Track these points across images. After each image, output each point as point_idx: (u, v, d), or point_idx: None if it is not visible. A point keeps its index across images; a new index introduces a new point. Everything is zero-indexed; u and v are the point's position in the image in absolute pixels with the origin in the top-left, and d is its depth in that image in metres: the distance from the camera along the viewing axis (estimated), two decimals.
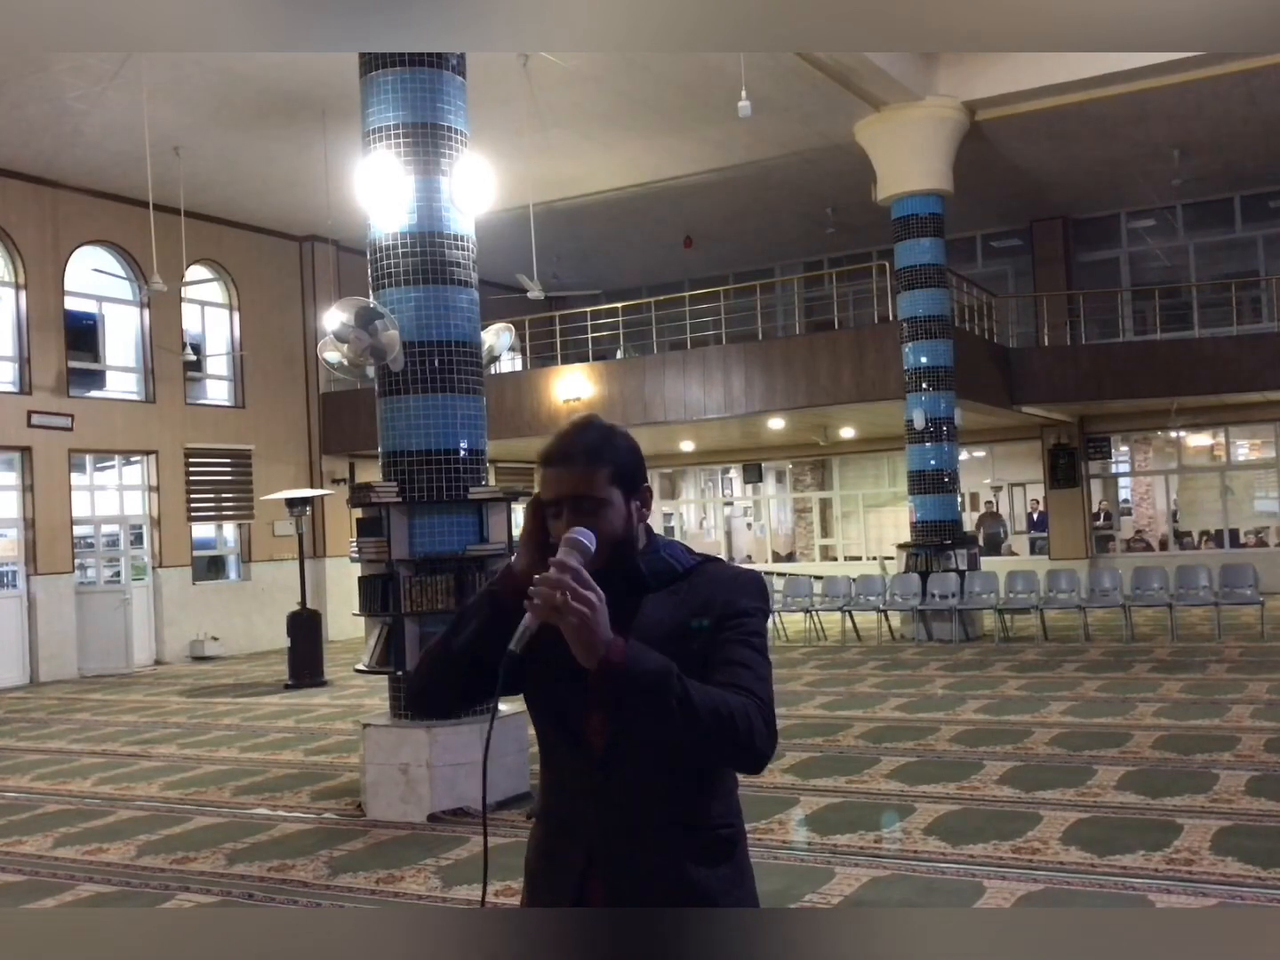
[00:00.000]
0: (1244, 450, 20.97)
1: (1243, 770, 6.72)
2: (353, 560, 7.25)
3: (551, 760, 1.98)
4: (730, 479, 24.78)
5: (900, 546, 15.49)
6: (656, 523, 24.38)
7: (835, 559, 21.91)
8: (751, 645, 1.89)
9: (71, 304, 15.66)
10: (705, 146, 15.43)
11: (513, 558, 1.97)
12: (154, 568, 16.35)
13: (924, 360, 14.71)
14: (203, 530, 17.42)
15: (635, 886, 1.86)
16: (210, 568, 17.68)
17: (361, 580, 7.12)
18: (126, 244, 15.86)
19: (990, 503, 21.13)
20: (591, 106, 13.84)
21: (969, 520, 19.26)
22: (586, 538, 1.81)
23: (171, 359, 16.25)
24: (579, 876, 1.89)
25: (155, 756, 8.98)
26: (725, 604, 1.90)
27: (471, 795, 6.62)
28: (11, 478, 14.91)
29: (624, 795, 1.87)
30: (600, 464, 1.89)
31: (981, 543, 19.27)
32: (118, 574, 16.32)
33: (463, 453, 6.99)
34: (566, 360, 18.25)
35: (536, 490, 1.96)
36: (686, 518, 25.03)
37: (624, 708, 1.77)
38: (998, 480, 21.32)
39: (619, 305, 18.28)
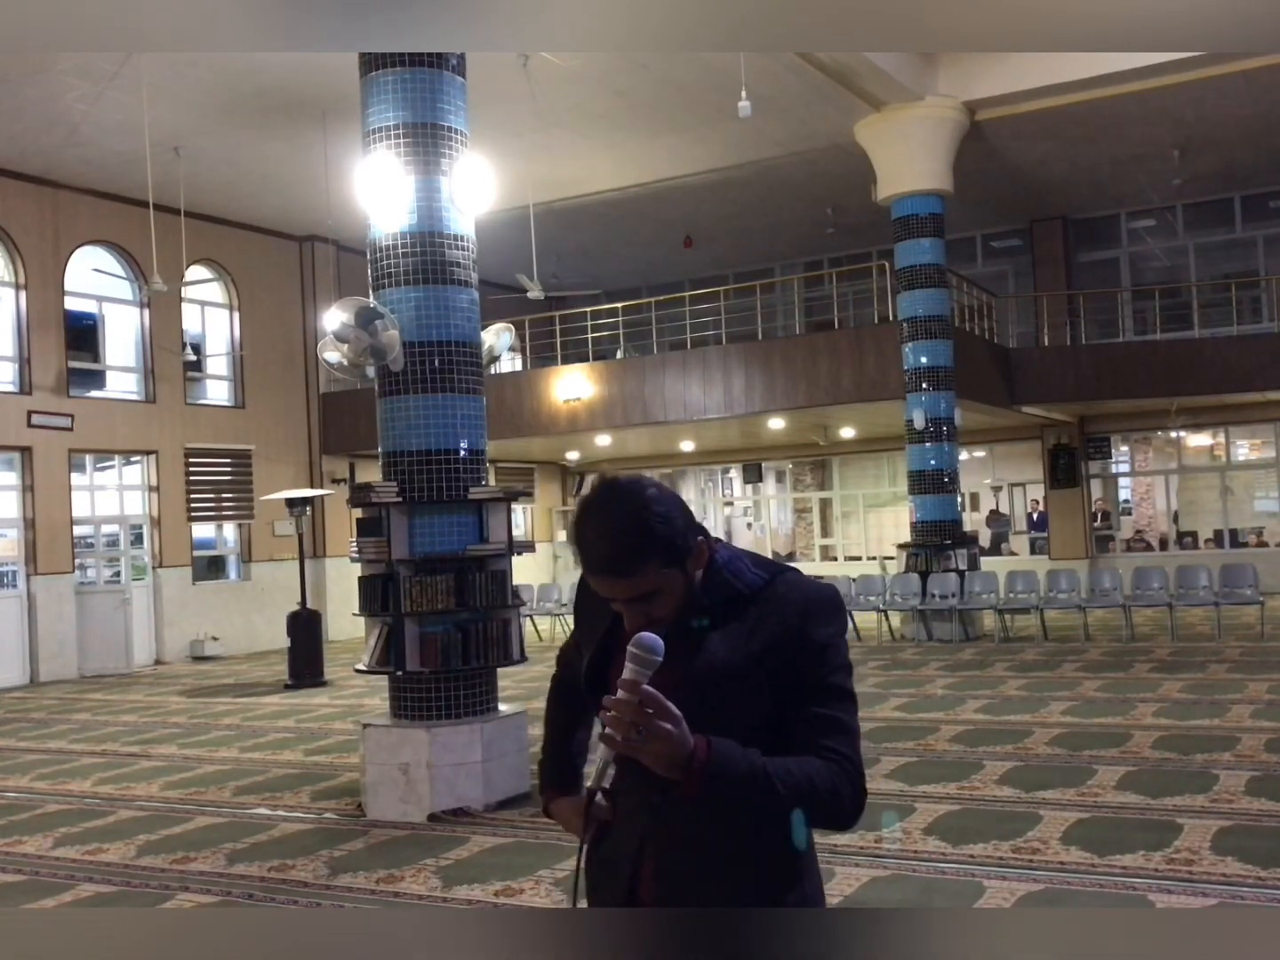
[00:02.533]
0: (1244, 450, 20.97)
1: (1243, 770, 6.72)
2: (353, 560, 7.25)
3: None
4: (730, 479, 24.78)
5: (900, 546, 15.49)
6: None
7: (835, 559, 21.90)
8: (838, 689, 1.82)
9: (71, 304, 15.66)
10: (705, 146, 15.43)
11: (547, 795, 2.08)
12: (154, 568, 16.35)
13: (924, 360, 14.71)
14: (203, 530, 17.42)
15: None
16: (210, 568, 17.67)
17: (361, 580, 7.11)
18: (126, 244, 15.86)
19: (996, 508, 21.18)
20: (591, 106, 13.84)
21: (969, 520, 19.26)
22: (655, 649, 1.69)
23: (171, 359, 16.25)
24: (627, 886, 1.86)
25: (155, 756, 8.98)
26: (801, 635, 1.80)
27: (471, 795, 6.62)
28: (11, 478, 14.91)
29: (683, 818, 1.80)
30: (646, 559, 1.75)
31: (985, 543, 19.29)
32: (118, 574, 16.32)
33: (463, 453, 6.98)
34: (566, 360, 18.25)
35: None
36: None
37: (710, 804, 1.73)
38: (998, 480, 21.32)
39: (619, 305, 18.28)
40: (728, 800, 1.72)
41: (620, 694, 1.66)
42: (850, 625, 14.43)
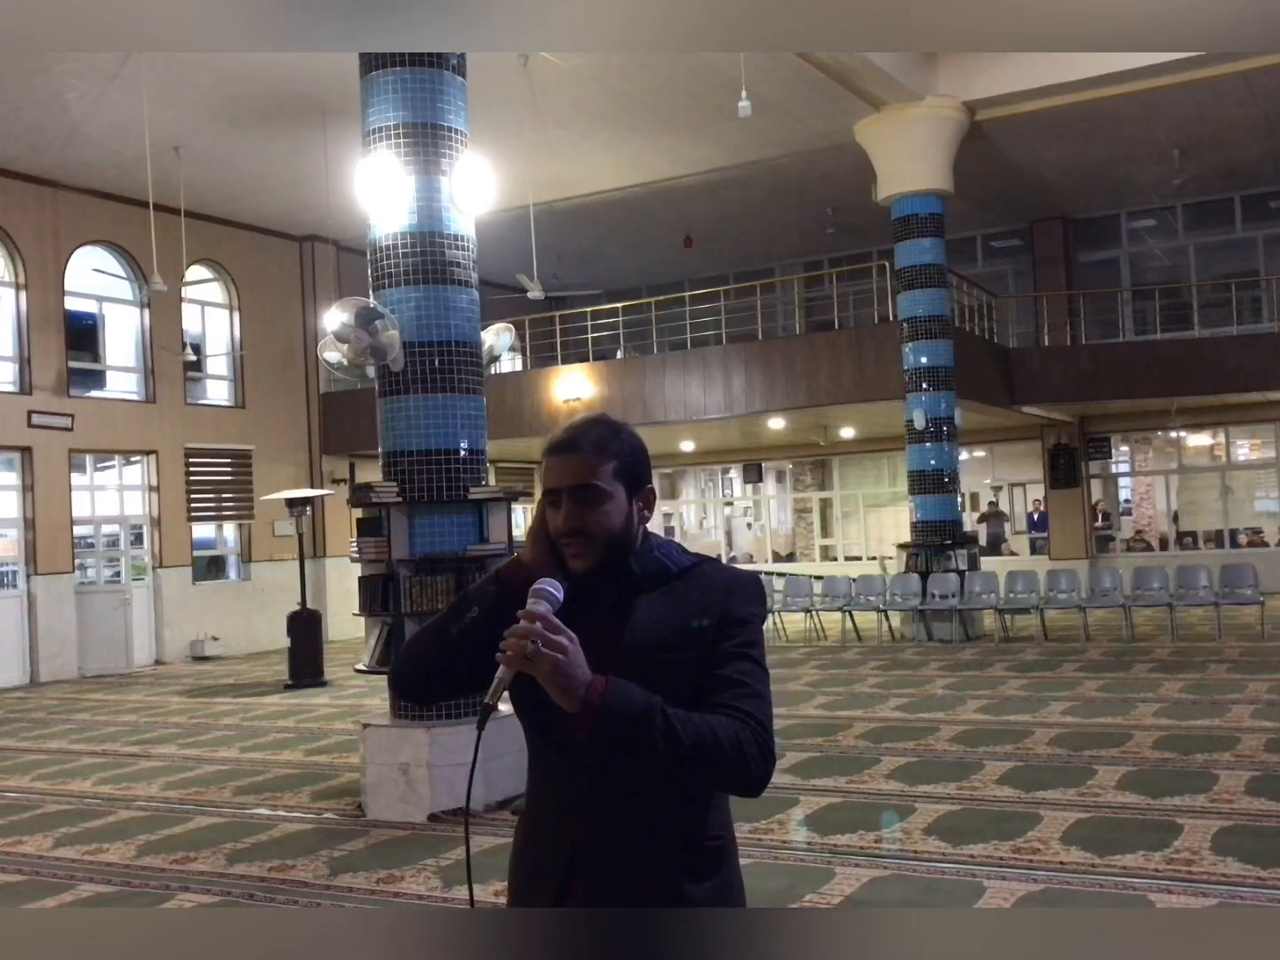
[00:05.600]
0: (1244, 450, 20.97)
1: (1243, 770, 6.72)
2: (353, 560, 7.25)
3: (537, 762, 1.94)
4: (730, 479, 24.79)
5: (900, 546, 15.49)
6: (656, 523, 24.40)
7: (835, 559, 21.91)
8: (749, 657, 1.85)
9: (71, 304, 15.66)
10: (705, 146, 15.43)
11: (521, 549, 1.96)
12: (154, 568, 16.35)
13: (924, 360, 14.71)
14: (203, 530, 17.42)
15: (616, 897, 1.81)
16: (210, 568, 17.68)
17: (361, 580, 7.12)
18: (126, 244, 15.86)
19: (994, 503, 21.16)
20: (591, 106, 13.84)
21: (969, 520, 19.26)
22: (554, 587, 1.79)
23: (171, 359, 16.25)
24: (559, 884, 1.85)
25: (155, 756, 8.98)
26: (721, 610, 1.86)
27: (471, 795, 6.61)
28: (11, 478, 14.91)
29: (608, 802, 1.83)
30: (606, 456, 1.87)
31: (984, 542, 19.29)
32: (118, 574, 16.32)
33: (463, 453, 6.99)
34: (566, 360, 18.25)
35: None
36: (686, 518, 25.03)
37: (607, 746, 1.73)
38: (998, 480, 21.33)
39: (619, 305, 18.28)
40: (629, 745, 1.71)
41: (520, 622, 1.72)
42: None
